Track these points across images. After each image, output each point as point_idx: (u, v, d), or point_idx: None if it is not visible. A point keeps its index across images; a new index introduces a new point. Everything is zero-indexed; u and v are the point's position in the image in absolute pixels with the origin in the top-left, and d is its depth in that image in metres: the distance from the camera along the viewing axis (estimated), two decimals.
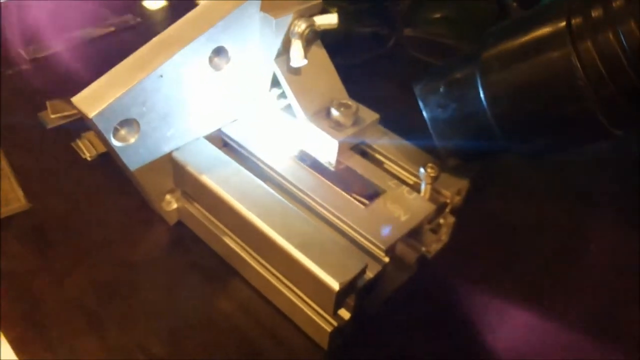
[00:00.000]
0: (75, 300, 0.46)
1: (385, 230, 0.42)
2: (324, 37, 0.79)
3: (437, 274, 0.51)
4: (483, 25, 0.74)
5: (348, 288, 0.39)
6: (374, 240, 0.42)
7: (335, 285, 0.38)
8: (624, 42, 0.32)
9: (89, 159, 0.59)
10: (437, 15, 0.79)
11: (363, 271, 0.40)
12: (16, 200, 0.54)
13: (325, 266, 0.39)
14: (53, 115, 0.64)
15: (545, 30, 0.36)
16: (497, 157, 0.44)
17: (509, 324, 0.48)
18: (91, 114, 0.40)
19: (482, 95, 0.39)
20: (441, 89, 0.42)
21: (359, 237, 0.43)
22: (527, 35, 0.37)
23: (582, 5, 0.34)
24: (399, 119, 0.52)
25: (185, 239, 0.51)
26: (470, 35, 0.75)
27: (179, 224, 0.53)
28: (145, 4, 0.86)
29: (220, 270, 0.49)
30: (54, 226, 0.52)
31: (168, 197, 0.51)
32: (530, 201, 0.59)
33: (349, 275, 0.39)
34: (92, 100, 0.41)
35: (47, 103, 0.65)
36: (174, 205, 0.51)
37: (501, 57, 0.38)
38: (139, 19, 0.81)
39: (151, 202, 0.50)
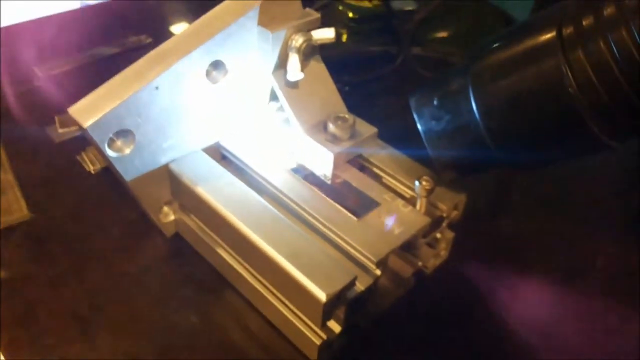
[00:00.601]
0: (69, 308, 0.46)
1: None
2: (336, 55, 0.80)
3: (436, 291, 0.50)
4: None
5: (336, 299, 0.39)
6: (365, 253, 0.41)
7: (322, 296, 0.38)
8: (615, 50, 0.32)
9: (92, 172, 0.60)
10: (444, 34, 0.79)
11: (352, 283, 0.39)
12: (18, 210, 0.55)
13: (314, 277, 0.39)
14: (61, 130, 0.65)
15: (535, 40, 0.35)
16: (494, 170, 0.44)
17: (508, 344, 0.47)
18: (86, 123, 0.41)
19: (474, 106, 0.38)
20: (435, 101, 0.41)
21: (350, 249, 0.42)
22: (517, 46, 0.36)
23: (573, 15, 0.34)
24: (404, 134, 0.52)
25: (181, 251, 0.52)
26: None
27: (177, 236, 0.53)
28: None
29: (214, 282, 0.49)
30: (53, 236, 0.52)
31: (166, 208, 0.51)
32: (534, 214, 0.58)
33: (337, 287, 0.38)
34: (88, 111, 0.41)
35: (56, 117, 0.66)
36: (171, 217, 0.51)
37: (492, 68, 0.38)
38: (150, 40, 0.83)
39: (149, 214, 0.50)
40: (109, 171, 0.58)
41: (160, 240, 0.53)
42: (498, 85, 0.37)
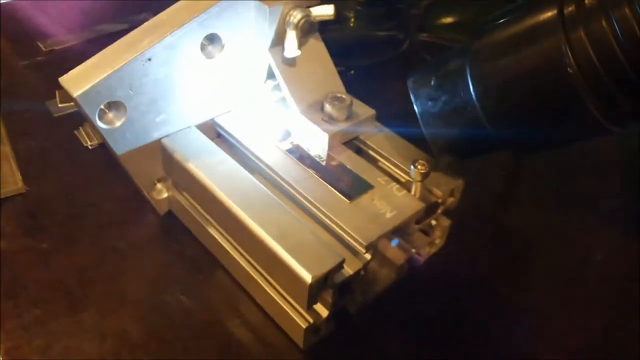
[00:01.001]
0: (58, 282, 0.46)
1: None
2: (342, 38, 0.79)
3: (431, 279, 0.49)
4: None
5: (323, 282, 0.38)
6: (355, 236, 0.40)
7: (308, 278, 0.37)
8: (616, 28, 0.30)
9: (89, 147, 0.59)
10: (450, 20, 0.78)
11: (340, 266, 0.38)
12: (13, 183, 0.54)
13: (301, 258, 0.38)
14: (61, 105, 0.64)
15: (536, 18, 0.34)
16: (491, 153, 0.42)
17: (499, 332, 0.46)
18: (76, 93, 0.40)
19: (471, 86, 0.37)
20: (432, 82, 0.40)
21: (340, 231, 0.41)
22: (517, 24, 0.35)
23: None
24: (406, 119, 0.51)
25: (173, 229, 0.51)
26: None
27: (170, 214, 0.52)
28: None
29: (205, 261, 0.48)
30: (47, 210, 0.52)
31: (159, 185, 0.50)
32: (535, 208, 0.57)
33: (323, 269, 0.37)
34: (78, 80, 0.41)
35: (57, 92, 0.66)
36: (164, 194, 0.51)
37: (490, 47, 0.36)
38: None
39: (142, 190, 0.50)
40: (105, 147, 0.58)
41: (153, 217, 0.52)
42: (496, 64, 0.36)
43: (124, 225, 0.51)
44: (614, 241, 0.54)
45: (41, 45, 0.75)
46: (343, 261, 0.38)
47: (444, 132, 0.41)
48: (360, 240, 0.40)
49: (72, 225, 0.51)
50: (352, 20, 0.80)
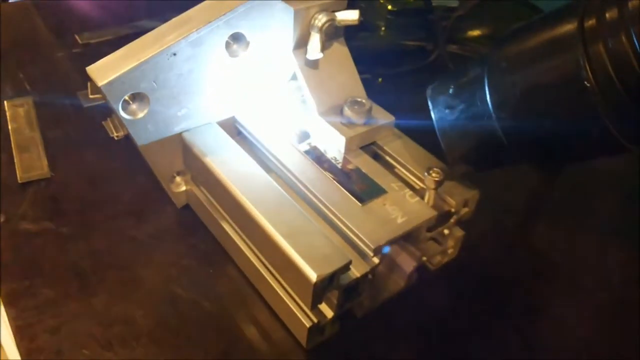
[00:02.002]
0: (73, 265, 0.47)
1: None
2: (372, 47, 0.79)
3: (440, 289, 0.49)
4: None
5: (328, 282, 0.38)
6: (363, 238, 0.40)
7: (313, 277, 0.37)
8: (635, 42, 0.30)
9: (116, 138, 0.61)
10: (479, 33, 0.77)
11: (346, 267, 0.38)
12: (40, 168, 0.56)
13: (308, 257, 0.38)
14: (91, 96, 0.66)
15: (555, 31, 0.34)
16: (506, 166, 0.42)
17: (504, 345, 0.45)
18: (101, 82, 0.41)
19: (488, 96, 0.37)
20: (451, 90, 0.40)
21: (350, 234, 0.41)
22: (537, 37, 0.35)
23: (596, 7, 0.32)
24: (427, 128, 0.51)
25: (189, 223, 0.52)
26: None
27: (187, 207, 0.53)
28: None
29: (217, 255, 0.49)
30: (69, 196, 0.53)
31: (178, 179, 0.51)
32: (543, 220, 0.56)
33: (329, 269, 0.37)
34: (104, 70, 0.42)
35: (88, 83, 0.67)
36: (183, 188, 0.52)
37: (509, 58, 0.36)
38: None
39: (161, 182, 0.51)
40: (129, 139, 0.59)
41: (170, 210, 0.53)
42: (513, 75, 0.36)
43: (141, 215, 0.52)
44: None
45: (78, 38, 0.77)
46: (350, 262, 0.39)
47: (460, 141, 0.41)
48: (368, 243, 0.40)
49: (91, 212, 0.52)
50: (383, 29, 0.80)
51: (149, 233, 0.51)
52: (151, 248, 0.49)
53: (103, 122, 0.62)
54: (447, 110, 0.40)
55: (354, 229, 0.41)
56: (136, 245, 0.49)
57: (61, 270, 0.47)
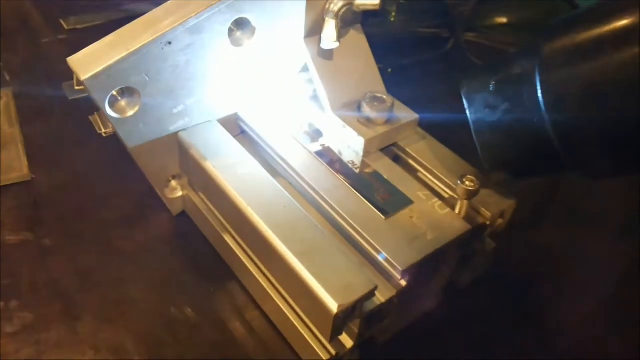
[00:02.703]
0: (55, 283, 0.42)
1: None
2: (381, 34, 0.73)
3: (467, 308, 0.43)
4: None
5: (350, 312, 0.33)
6: (390, 259, 0.35)
7: (333, 307, 0.32)
8: None
9: (104, 134, 0.54)
10: (502, 21, 0.71)
11: (371, 293, 0.33)
12: (19, 169, 0.50)
13: (326, 282, 0.33)
14: (77, 87, 0.60)
15: (625, 21, 0.28)
16: (552, 174, 0.37)
17: None
18: (84, 75, 0.35)
19: (540, 95, 0.31)
20: (491, 86, 0.35)
21: (373, 252, 0.36)
22: (602, 27, 0.29)
23: None
24: (447, 125, 0.45)
25: (186, 232, 0.46)
26: None
27: (184, 215, 0.47)
28: None
29: (218, 271, 0.43)
30: (52, 201, 0.48)
31: (173, 183, 0.46)
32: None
33: (352, 297, 0.32)
34: (88, 62, 0.36)
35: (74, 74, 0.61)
36: (179, 193, 0.46)
37: (568, 51, 0.30)
38: None
39: (155, 187, 0.45)
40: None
41: (165, 217, 0.47)
42: (574, 71, 0.30)
43: (132, 224, 0.47)
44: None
45: (63, 23, 0.71)
46: (375, 289, 0.33)
47: (501, 146, 0.35)
48: (395, 264, 0.35)
49: (76, 220, 0.46)
50: (393, 14, 0.74)
51: (141, 245, 0.45)
52: (144, 262, 0.44)
53: (90, 117, 0.56)
54: (486, 110, 0.35)
55: (378, 247, 0.36)
56: (126, 259, 0.44)
57: (42, 289, 0.41)
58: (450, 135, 0.44)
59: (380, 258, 0.36)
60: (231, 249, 0.41)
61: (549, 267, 0.47)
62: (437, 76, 0.68)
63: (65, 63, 0.62)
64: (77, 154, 0.53)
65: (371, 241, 0.36)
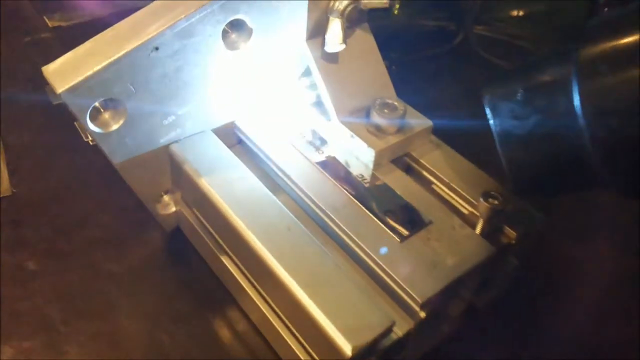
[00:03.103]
0: (38, 312, 0.38)
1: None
2: (383, 28, 0.69)
3: (486, 327, 0.40)
4: (571, 29, 0.62)
5: (365, 352, 0.29)
6: (408, 289, 0.31)
7: (347, 349, 0.28)
8: None
9: (91, 142, 0.50)
10: (515, 13, 0.67)
11: (388, 331, 0.30)
12: None
13: (338, 319, 0.29)
14: (55, 102, 0.56)
15: None
16: (585, 191, 0.33)
17: None
18: (60, 88, 0.31)
19: (578, 105, 0.28)
20: (519, 95, 0.31)
21: (389, 281, 0.32)
22: None
23: None
24: (460, 130, 0.42)
25: (181, 252, 0.43)
26: (554, 39, 0.63)
27: (179, 231, 0.44)
28: None
29: (217, 294, 0.40)
30: (34, 219, 0.44)
31: (166, 198, 0.42)
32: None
33: (367, 337, 0.29)
34: (66, 72, 0.32)
35: None
36: (172, 209, 0.42)
37: (612, 57, 0.27)
38: None
39: (145, 204, 0.41)
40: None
41: (157, 235, 0.44)
42: (621, 78, 0.26)
43: (122, 244, 0.43)
44: None
45: (47, 21, 0.66)
46: (392, 325, 0.30)
47: (531, 161, 0.31)
48: (414, 296, 0.31)
49: (61, 239, 0.43)
50: (397, 7, 0.69)
51: (132, 267, 0.41)
52: (134, 287, 0.40)
53: (75, 123, 0.52)
54: (514, 122, 0.31)
55: (394, 275, 0.32)
56: (115, 283, 0.40)
57: (23, 318, 0.37)
58: (465, 143, 0.41)
59: (396, 288, 0.32)
60: (230, 272, 0.37)
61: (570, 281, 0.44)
62: (445, 74, 0.64)
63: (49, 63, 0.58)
64: (62, 164, 0.49)
65: (386, 268, 0.32)
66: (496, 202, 0.34)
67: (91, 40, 0.33)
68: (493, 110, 0.32)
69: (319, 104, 0.41)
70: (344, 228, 0.34)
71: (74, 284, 0.40)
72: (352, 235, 0.34)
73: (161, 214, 0.42)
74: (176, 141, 0.38)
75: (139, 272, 0.41)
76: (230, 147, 0.40)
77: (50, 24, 0.66)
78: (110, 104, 0.34)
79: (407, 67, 0.64)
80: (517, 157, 0.32)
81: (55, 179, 0.48)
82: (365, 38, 0.40)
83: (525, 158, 0.32)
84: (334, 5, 0.37)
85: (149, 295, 0.40)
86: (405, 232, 0.34)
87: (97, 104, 0.34)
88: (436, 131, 0.40)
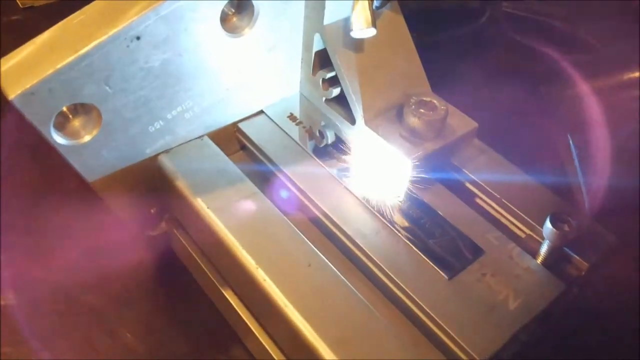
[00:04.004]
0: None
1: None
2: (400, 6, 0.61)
3: None
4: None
5: None
6: (462, 343, 0.25)
7: None
8: None
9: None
10: None
11: None
12: None
13: None
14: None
15: None
16: None
17: None
18: (12, 93, 0.24)
19: None
20: None
21: (437, 331, 0.26)
22: None
23: None
24: (496, 129, 0.35)
25: (175, 273, 0.36)
26: (596, 17, 0.56)
27: (171, 252, 0.37)
28: None
29: (218, 334, 0.33)
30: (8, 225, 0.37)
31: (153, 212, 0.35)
32: None
33: None
34: (20, 71, 0.25)
35: None
36: (162, 228, 0.35)
37: None
38: None
39: (130, 225, 0.34)
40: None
41: (146, 259, 0.37)
42: None
43: (106, 263, 0.36)
44: None
45: (18, 1, 0.59)
46: None
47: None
48: (472, 353, 0.24)
49: (35, 254, 0.36)
50: None
51: (116, 298, 0.35)
52: (119, 324, 0.33)
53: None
54: None
55: (443, 324, 0.25)
56: (97, 319, 0.33)
57: None
58: (512, 145, 0.34)
59: (446, 340, 0.25)
60: (234, 309, 0.31)
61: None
62: (471, 59, 0.56)
63: None
64: (31, 168, 0.42)
65: (433, 315, 0.26)
66: (566, 227, 0.27)
67: (53, 28, 0.26)
68: None
69: (338, 101, 0.33)
70: (378, 262, 0.28)
71: (46, 317, 0.33)
72: (387, 270, 0.27)
73: (149, 234, 0.35)
74: (166, 151, 0.31)
75: (124, 305, 0.34)
76: (230, 155, 0.32)
77: (20, 4, 0.59)
78: (81, 109, 0.27)
79: (424, 51, 0.57)
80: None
81: (24, 183, 0.41)
82: (395, 21, 0.33)
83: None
84: None
85: (135, 335, 0.33)
86: (452, 266, 0.28)
87: (64, 108, 0.26)
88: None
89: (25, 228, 0.38)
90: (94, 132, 0.28)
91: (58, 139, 0.27)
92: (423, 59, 0.38)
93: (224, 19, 0.29)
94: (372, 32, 0.29)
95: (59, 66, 0.25)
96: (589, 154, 0.38)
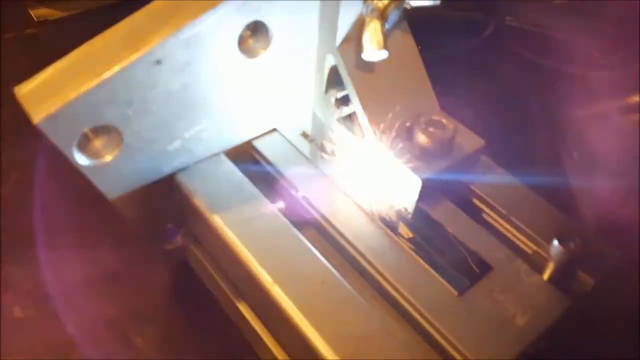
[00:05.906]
0: None
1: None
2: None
3: None
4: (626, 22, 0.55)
5: None
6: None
7: None
8: None
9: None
10: (550, 1, 0.61)
11: None
12: None
13: None
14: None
15: None
16: None
17: None
18: (37, 117, 0.25)
19: None
20: None
21: (448, 347, 0.26)
22: None
23: None
24: (503, 146, 0.36)
25: (192, 289, 0.36)
26: (607, 33, 0.57)
27: (187, 266, 0.38)
28: None
29: (233, 346, 0.34)
30: (12, 250, 0.38)
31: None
32: None
33: None
34: (44, 95, 0.26)
35: None
36: (179, 243, 0.36)
37: None
38: None
39: (146, 239, 0.35)
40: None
41: (161, 272, 0.38)
42: None
43: (117, 280, 0.37)
44: None
45: (32, 14, 0.60)
46: None
47: None
48: None
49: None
50: None
51: (131, 310, 0.35)
52: (134, 335, 0.34)
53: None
54: None
55: (454, 340, 0.26)
56: (113, 334, 0.34)
57: None
58: (517, 161, 0.35)
59: (457, 357, 0.26)
60: (250, 325, 0.32)
61: None
62: (475, 73, 0.57)
63: (34, 64, 0.51)
64: (47, 186, 0.43)
65: (443, 331, 0.27)
66: (573, 244, 0.28)
67: (75, 51, 0.27)
68: None
69: (349, 120, 0.34)
70: (388, 277, 0.28)
71: (64, 334, 0.34)
72: (397, 286, 0.28)
73: (166, 249, 0.36)
74: (183, 169, 0.32)
75: (139, 317, 0.35)
76: (245, 172, 0.33)
77: (35, 17, 0.60)
78: (102, 129, 0.28)
79: (429, 66, 0.58)
80: None
81: (37, 201, 0.42)
82: (405, 41, 0.34)
83: None
84: (372, 3, 0.30)
85: (151, 349, 0.34)
86: (462, 282, 0.29)
87: (86, 129, 0.27)
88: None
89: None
90: (115, 152, 0.28)
91: (80, 159, 0.28)
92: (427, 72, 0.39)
93: (241, 41, 0.30)
94: (384, 54, 0.30)
95: (82, 90, 0.25)
96: (591, 167, 0.39)
